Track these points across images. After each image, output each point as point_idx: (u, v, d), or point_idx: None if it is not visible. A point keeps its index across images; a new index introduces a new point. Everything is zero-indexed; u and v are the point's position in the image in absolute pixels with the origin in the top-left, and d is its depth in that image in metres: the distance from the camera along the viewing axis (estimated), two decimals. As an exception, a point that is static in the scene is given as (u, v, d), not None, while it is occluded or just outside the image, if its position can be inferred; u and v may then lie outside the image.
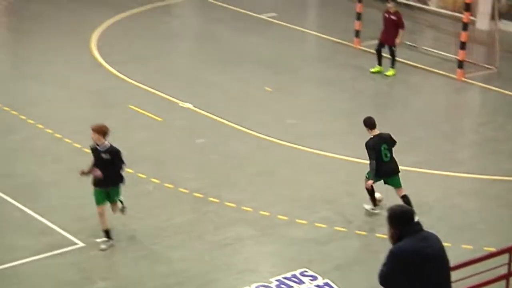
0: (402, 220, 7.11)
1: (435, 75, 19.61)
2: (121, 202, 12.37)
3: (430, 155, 15.48)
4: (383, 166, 12.75)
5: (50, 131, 15.75)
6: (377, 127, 12.90)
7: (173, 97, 17.68)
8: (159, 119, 16.69)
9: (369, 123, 12.89)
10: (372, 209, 13.23)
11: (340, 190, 14.15)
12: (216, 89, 18.34)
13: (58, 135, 15.58)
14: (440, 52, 20.66)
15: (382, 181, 13.02)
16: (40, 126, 15.90)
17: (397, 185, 12.97)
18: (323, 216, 13.23)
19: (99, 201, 11.92)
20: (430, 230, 7.27)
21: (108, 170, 11.70)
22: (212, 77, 19.06)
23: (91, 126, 11.82)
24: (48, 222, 12.71)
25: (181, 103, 17.44)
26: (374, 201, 13.19)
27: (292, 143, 15.76)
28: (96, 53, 19.96)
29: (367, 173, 12.97)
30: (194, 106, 17.32)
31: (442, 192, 14.17)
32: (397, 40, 18.96)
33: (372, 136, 12.84)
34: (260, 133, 16.01)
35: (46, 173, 14.29)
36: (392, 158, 12.88)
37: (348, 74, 19.58)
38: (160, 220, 13.04)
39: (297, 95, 18.59)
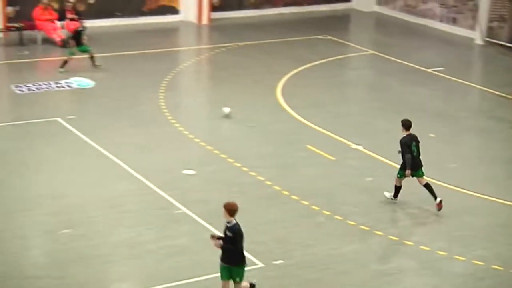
0: None
1: None
2: (253, 285, 11.43)
3: None
4: (413, 160, 14.02)
5: (238, 164, 16.10)
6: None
7: (345, 139, 17.68)
8: (332, 158, 16.72)
9: (406, 125, 14.13)
10: (392, 198, 14.52)
11: (497, 231, 13.65)
12: (384, 134, 18.18)
13: (245, 169, 15.91)
14: None
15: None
16: (230, 160, 16.30)
17: (421, 175, 14.21)
18: (481, 254, 12.79)
19: (222, 277, 10.94)
20: None
21: (229, 248, 10.80)
22: (382, 122, 18.94)
23: (224, 204, 10.98)
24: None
25: (352, 145, 17.41)
26: (397, 194, 14.44)
27: (452, 185, 15.38)
28: (281, 99, 20.30)
29: (398, 173, 14.25)
30: (364, 148, 17.23)
31: None
32: None
33: (405, 135, 14.11)
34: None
35: (233, 200, 14.55)
36: (418, 153, 14.15)
37: (507, 125, 18.89)
38: (329, 247, 13.03)
39: (458, 142, 18.18)
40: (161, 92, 20.44)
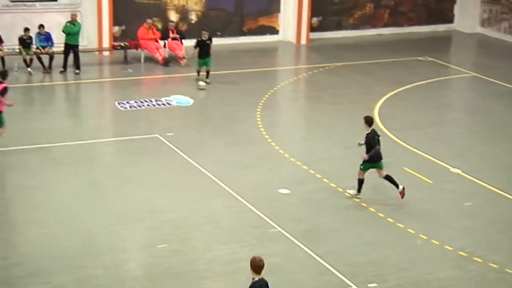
0: None
1: None
2: None
3: None
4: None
5: (333, 185, 16.01)
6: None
7: (444, 162, 17.33)
8: (430, 181, 16.41)
9: (369, 121, 15.28)
10: (356, 195, 15.26)
11: None
12: (485, 157, 17.75)
13: (340, 189, 15.81)
14: None
15: None
16: (326, 180, 16.22)
17: (381, 167, 15.28)
18: None
19: None
20: None
21: None
22: (482, 146, 18.50)
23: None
24: (327, 264, 12.87)
25: (451, 169, 17.04)
26: (360, 189, 15.23)
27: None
28: (378, 120, 20.09)
29: (362, 165, 15.16)
30: (463, 172, 16.84)
31: None
32: None
33: (369, 131, 15.22)
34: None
35: (328, 221, 14.52)
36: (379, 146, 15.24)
37: None
38: (425, 272, 12.75)
39: None
40: (258, 111, 20.56)
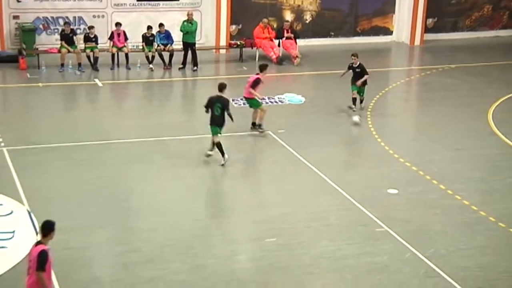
0: None
1: None
2: None
3: None
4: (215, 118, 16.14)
5: (443, 187, 15.65)
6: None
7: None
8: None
9: (220, 87, 16.24)
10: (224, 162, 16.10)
11: None
12: None
13: (450, 192, 15.44)
14: None
15: None
16: (435, 182, 15.88)
17: (217, 133, 16.19)
18: None
19: None
20: None
21: None
22: None
23: None
24: (434, 266, 12.59)
25: None
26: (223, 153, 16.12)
27: None
28: (492, 123, 19.52)
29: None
30: None
31: None
32: None
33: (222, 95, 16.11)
34: None
35: (436, 222, 14.20)
36: (222, 114, 16.19)
37: None
38: None
39: None
40: (369, 111, 20.36)
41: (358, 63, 20.17)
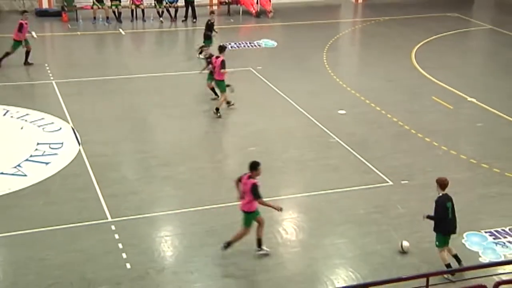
0: None
1: None
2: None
3: None
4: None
5: (378, 108, 15.60)
6: None
7: (463, 93, 16.58)
8: (450, 107, 15.76)
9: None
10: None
11: None
12: (495, 89, 16.90)
13: (383, 112, 15.39)
14: None
15: None
16: (373, 105, 15.81)
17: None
18: None
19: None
20: None
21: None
22: (493, 81, 17.59)
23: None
24: (371, 166, 12.65)
25: (468, 98, 16.29)
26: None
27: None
28: (414, 61, 19.33)
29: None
30: (477, 101, 16.08)
31: None
32: None
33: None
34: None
35: (373, 135, 14.19)
36: None
37: None
38: (445, 174, 12.11)
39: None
40: (324, 53, 20.04)
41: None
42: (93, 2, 22.67)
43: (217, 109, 14.76)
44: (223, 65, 14.61)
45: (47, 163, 12.25)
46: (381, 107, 15.66)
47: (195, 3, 23.55)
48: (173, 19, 23.36)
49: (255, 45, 20.76)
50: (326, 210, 11.10)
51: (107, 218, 10.50)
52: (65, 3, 22.96)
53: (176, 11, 23.36)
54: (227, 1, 24.76)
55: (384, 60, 19.57)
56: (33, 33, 18.67)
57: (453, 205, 9.27)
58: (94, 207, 10.80)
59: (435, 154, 13.34)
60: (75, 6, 23.10)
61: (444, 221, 9.17)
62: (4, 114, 14.30)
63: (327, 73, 18.20)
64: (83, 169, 12.06)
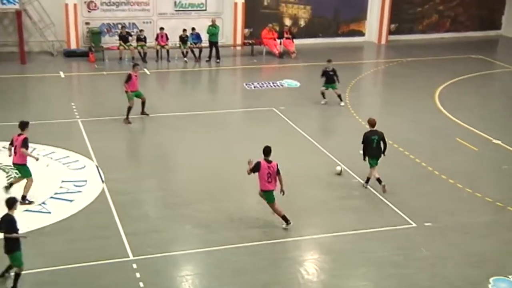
0: None
1: None
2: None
3: None
4: None
5: (401, 149, 15.56)
6: None
7: (487, 135, 16.51)
8: (475, 149, 15.68)
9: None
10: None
11: None
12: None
13: (406, 152, 15.36)
14: None
15: None
16: (395, 145, 15.76)
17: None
18: None
19: None
20: None
21: None
22: (519, 124, 17.54)
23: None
24: (394, 207, 12.57)
25: (493, 140, 16.22)
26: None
27: None
28: (438, 102, 19.37)
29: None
30: (503, 143, 15.99)
31: None
32: None
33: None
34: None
35: (396, 176, 14.10)
36: None
37: None
38: (469, 217, 12.24)
39: None
40: (347, 93, 20.20)
41: (332, 68, 18.68)
42: (120, 43, 23.32)
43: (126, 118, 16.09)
44: (128, 79, 16.31)
45: (71, 201, 12.45)
46: (404, 147, 15.65)
47: (219, 43, 24.06)
48: (197, 59, 23.84)
49: (278, 85, 21.03)
50: (348, 252, 11.04)
51: (128, 256, 10.57)
52: (93, 44, 23.65)
53: (200, 51, 23.87)
54: (250, 41, 25.26)
55: (407, 101, 19.63)
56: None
57: (379, 139, 12.94)
58: (116, 245, 10.89)
59: (460, 196, 13.23)
60: (102, 46, 23.76)
61: (369, 148, 12.91)
62: (31, 152, 14.62)
63: (350, 113, 18.30)
64: (106, 207, 12.22)
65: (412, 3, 28.47)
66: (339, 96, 18.88)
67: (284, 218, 11.52)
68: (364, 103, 19.94)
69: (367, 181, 13.27)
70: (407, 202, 12.81)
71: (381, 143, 12.95)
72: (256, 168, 11.30)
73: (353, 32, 28.00)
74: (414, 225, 11.93)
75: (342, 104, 18.75)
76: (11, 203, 9.31)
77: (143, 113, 17.34)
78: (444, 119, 18.03)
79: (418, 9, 28.58)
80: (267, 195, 11.42)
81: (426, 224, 11.95)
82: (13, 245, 9.31)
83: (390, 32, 27.89)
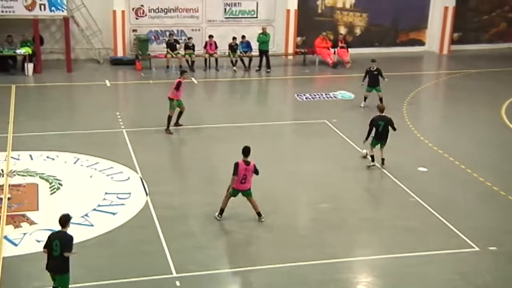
0: None
1: None
2: None
3: None
4: None
5: (463, 166, 15.24)
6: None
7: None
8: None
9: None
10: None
11: None
12: None
13: (468, 170, 15.04)
14: None
15: None
16: (457, 162, 15.48)
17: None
18: None
19: None
20: None
21: None
22: None
23: None
24: (455, 228, 12.29)
25: None
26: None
27: None
28: (504, 117, 18.88)
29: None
30: None
31: None
32: None
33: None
34: None
35: (457, 195, 13.81)
36: None
37: None
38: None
39: None
40: (405, 106, 19.94)
41: (375, 67, 19.19)
42: (167, 51, 23.76)
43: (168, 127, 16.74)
44: (177, 86, 16.75)
45: (114, 214, 12.68)
46: (466, 165, 15.31)
47: (270, 52, 24.19)
48: (247, 68, 24.03)
49: (331, 97, 20.95)
50: (403, 275, 10.83)
51: (172, 273, 10.67)
52: (140, 52, 24.18)
53: (250, 60, 24.05)
54: (303, 50, 25.29)
55: (470, 115, 19.23)
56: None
57: (386, 124, 14.68)
58: (159, 261, 11.01)
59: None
60: (149, 54, 24.26)
61: (376, 132, 14.67)
62: (75, 162, 15.00)
63: (408, 127, 18.05)
64: (150, 221, 12.39)
65: (478, 11, 27.93)
66: (381, 99, 18.76)
67: (222, 211, 12.24)
68: (423, 117, 19.63)
69: (372, 159, 14.79)
70: (469, 224, 12.49)
71: (389, 127, 14.66)
72: (235, 171, 11.83)
73: (412, 41, 27.67)
74: (477, 248, 11.60)
75: (362, 105, 19.31)
76: (65, 220, 9.43)
77: (177, 123, 17.33)
78: (510, 133, 17.55)
79: (484, 17, 28.01)
80: (234, 191, 12.10)
81: (491, 248, 11.61)
82: (67, 265, 9.41)
83: (453, 42, 27.43)
